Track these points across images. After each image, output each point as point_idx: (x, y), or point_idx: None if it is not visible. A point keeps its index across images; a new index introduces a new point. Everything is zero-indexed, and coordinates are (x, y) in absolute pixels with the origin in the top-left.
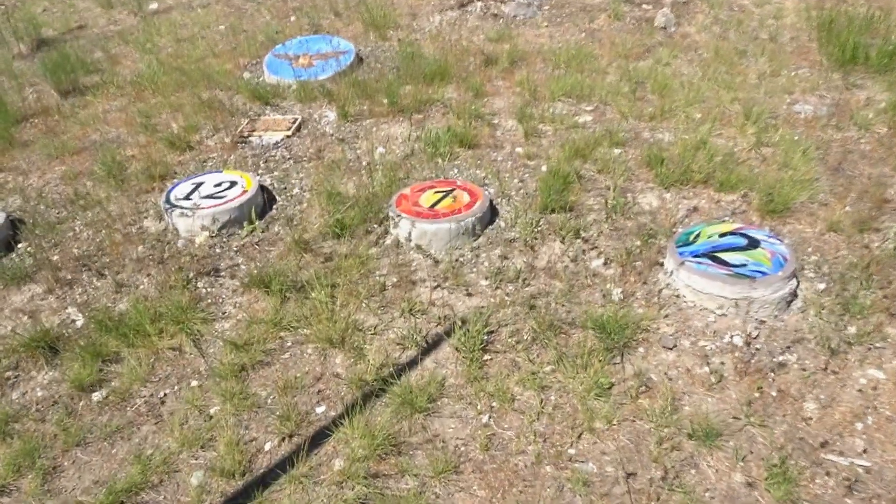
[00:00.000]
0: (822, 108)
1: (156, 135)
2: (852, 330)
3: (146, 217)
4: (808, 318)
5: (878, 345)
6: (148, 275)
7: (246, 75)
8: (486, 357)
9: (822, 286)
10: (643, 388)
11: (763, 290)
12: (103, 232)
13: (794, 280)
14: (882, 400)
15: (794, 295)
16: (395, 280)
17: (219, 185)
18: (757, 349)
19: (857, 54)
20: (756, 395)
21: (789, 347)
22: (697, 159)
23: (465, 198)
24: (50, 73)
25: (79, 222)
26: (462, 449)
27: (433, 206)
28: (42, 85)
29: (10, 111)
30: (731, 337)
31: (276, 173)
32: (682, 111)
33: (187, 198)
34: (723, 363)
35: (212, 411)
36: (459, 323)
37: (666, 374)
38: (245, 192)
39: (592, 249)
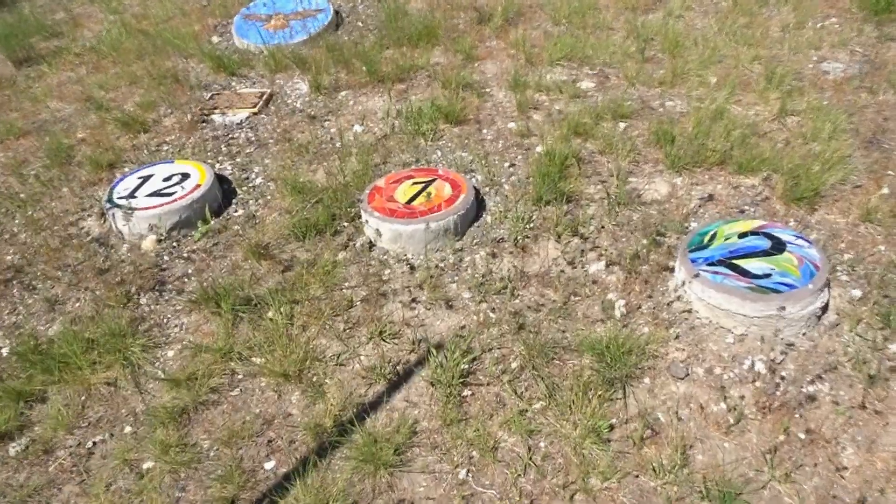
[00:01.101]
0: (853, 67)
1: (109, 114)
2: (894, 348)
3: (89, 216)
4: (841, 334)
5: None
6: (85, 289)
7: (215, 39)
8: (467, 392)
9: (857, 293)
10: (648, 432)
11: (790, 306)
12: (42, 234)
13: (826, 290)
14: None
15: (825, 307)
16: (364, 294)
17: (168, 178)
18: (783, 378)
19: (893, 0)
20: (781, 437)
21: (820, 375)
22: (713, 134)
23: (447, 190)
24: (2, 40)
25: (17, 222)
26: None
27: (410, 201)
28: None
29: None
30: (753, 363)
31: (238, 160)
32: (695, 74)
33: (131, 195)
34: (742, 397)
35: (145, 467)
36: (435, 350)
37: (676, 412)
38: (198, 186)
39: (592, 250)
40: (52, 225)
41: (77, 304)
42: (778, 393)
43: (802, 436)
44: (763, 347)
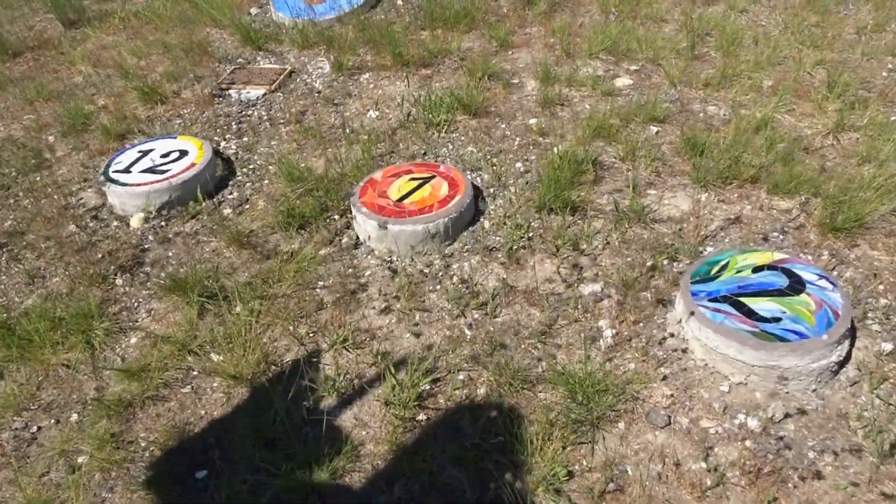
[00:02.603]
0: None
1: (132, 82)
2: None
3: (90, 188)
4: (860, 395)
5: None
6: (68, 263)
7: (253, 10)
8: (422, 416)
9: (888, 346)
10: (611, 486)
11: (797, 358)
12: (42, 202)
13: (846, 343)
14: None
15: (846, 360)
16: (336, 296)
17: (166, 154)
18: (779, 440)
19: None
20: None
21: (825, 441)
22: (753, 146)
23: (444, 189)
24: (53, 0)
25: (24, 187)
26: None
27: (402, 198)
28: (53, 13)
29: (4, 43)
30: (747, 419)
31: (245, 139)
32: (747, 76)
33: (127, 170)
34: (727, 458)
35: (79, 460)
36: (395, 367)
37: (646, 467)
38: (193, 165)
39: (590, 269)
40: (52, 193)
41: (55, 280)
42: (770, 457)
43: None
44: (761, 402)
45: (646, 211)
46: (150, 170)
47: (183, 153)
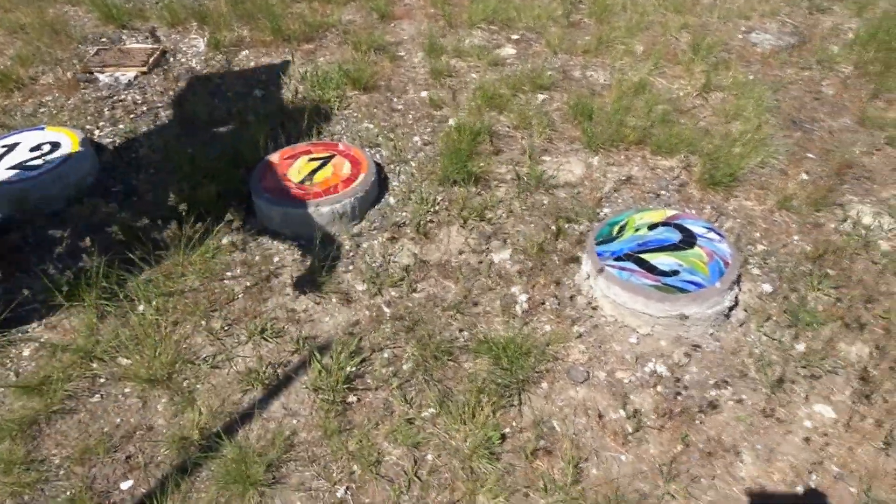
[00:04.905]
0: (782, 39)
1: None
2: (800, 348)
3: None
4: (749, 334)
5: (828, 368)
6: None
7: None
8: (352, 398)
9: (768, 287)
10: (542, 444)
11: (696, 306)
12: None
13: (735, 288)
14: (830, 451)
15: (734, 304)
16: (247, 285)
17: (36, 147)
18: (685, 382)
19: None
20: (680, 448)
21: (724, 379)
22: (634, 109)
23: (347, 168)
24: None
25: None
26: None
27: (304, 180)
28: None
29: None
30: (656, 366)
31: (121, 126)
32: (621, 42)
33: None
34: (643, 404)
35: None
36: (319, 352)
37: (572, 421)
38: (68, 158)
39: (498, 237)
40: None
41: None
42: (679, 399)
43: (702, 445)
44: (667, 349)
45: (544, 177)
46: (20, 165)
47: (55, 145)
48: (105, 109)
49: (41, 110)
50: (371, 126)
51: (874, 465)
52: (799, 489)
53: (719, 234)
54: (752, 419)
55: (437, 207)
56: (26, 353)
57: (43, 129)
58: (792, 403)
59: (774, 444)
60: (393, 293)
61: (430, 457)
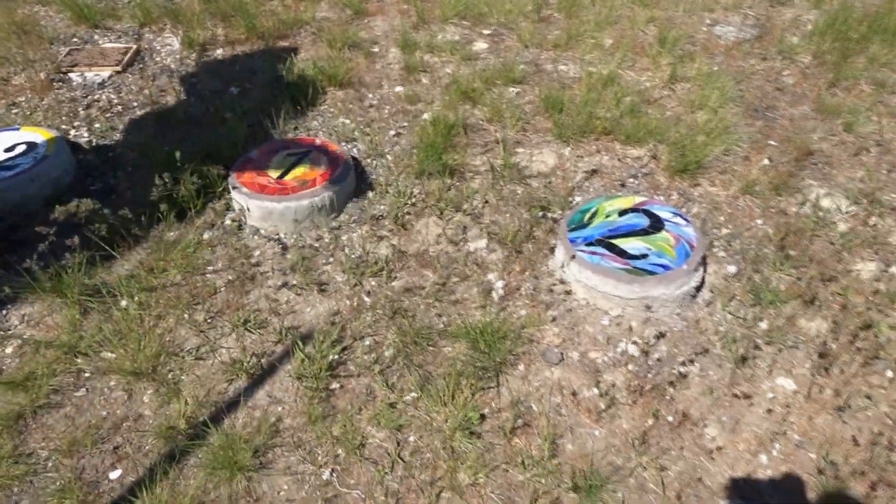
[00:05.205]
0: (744, 31)
1: None
2: (763, 325)
3: None
4: (714, 313)
5: (789, 343)
6: None
7: None
8: (335, 385)
9: (732, 269)
10: (520, 423)
11: (664, 287)
12: None
13: (701, 270)
14: (791, 420)
15: (700, 285)
16: (229, 279)
17: (10, 148)
18: (655, 360)
19: None
20: (650, 422)
21: (692, 356)
22: (603, 101)
23: (324, 163)
24: None
25: None
26: None
27: (283, 175)
28: None
29: None
30: (627, 346)
31: (97, 126)
32: (590, 36)
33: None
34: (615, 383)
35: None
36: (302, 341)
37: (548, 400)
38: (45, 158)
39: (474, 227)
40: None
41: None
42: (650, 376)
43: (671, 419)
44: (637, 329)
45: (518, 168)
46: None
47: (30, 146)
48: (80, 109)
49: (14, 111)
50: (347, 121)
51: (832, 433)
52: (775, 474)
53: (685, 219)
54: (718, 393)
55: (414, 199)
56: (9, 350)
57: (18, 129)
58: (755, 377)
59: (739, 416)
60: (373, 283)
61: (412, 438)
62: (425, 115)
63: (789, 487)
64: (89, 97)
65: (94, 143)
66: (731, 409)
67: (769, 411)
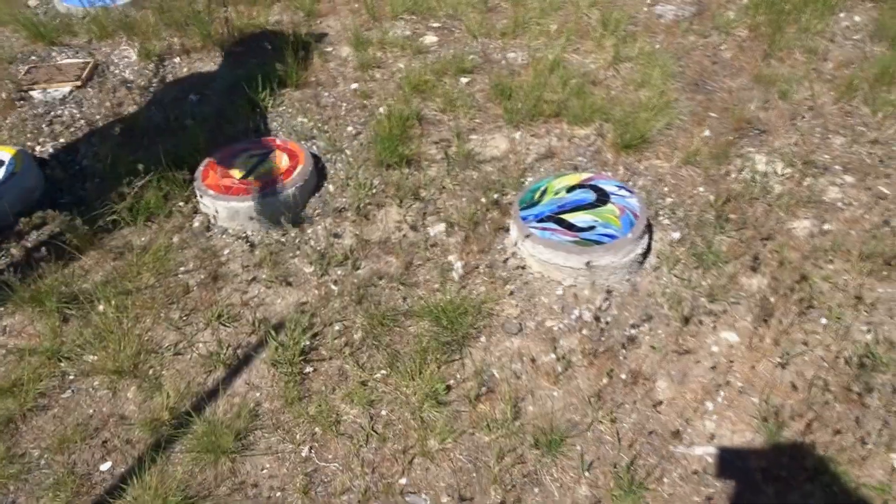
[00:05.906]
0: (683, 9)
1: None
2: (706, 285)
3: None
4: (661, 277)
5: (731, 300)
6: None
7: (31, 2)
8: (309, 369)
9: (676, 235)
10: (484, 390)
11: (611, 256)
12: None
13: (647, 237)
14: (735, 369)
15: (646, 252)
16: (201, 277)
17: None
18: (607, 324)
19: None
20: (605, 381)
21: (641, 318)
22: (550, 85)
23: (285, 161)
24: None
25: None
26: (278, 495)
27: (246, 175)
28: None
29: None
30: (581, 312)
31: (62, 140)
32: (536, 23)
33: None
34: (571, 347)
35: None
36: (274, 331)
37: (509, 367)
38: (13, 175)
39: (433, 213)
40: None
41: None
42: (603, 339)
43: (624, 376)
44: (589, 297)
45: (472, 155)
46: None
47: None
48: (43, 125)
49: None
50: (305, 120)
51: (772, 378)
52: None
53: (629, 191)
54: (667, 350)
55: (374, 190)
56: None
57: None
58: (701, 333)
59: (687, 370)
60: (339, 272)
61: (384, 412)
62: (380, 109)
63: (732, 428)
64: (52, 113)
65: (59, 158)
66: (679, 363)
67: (714, 363)
